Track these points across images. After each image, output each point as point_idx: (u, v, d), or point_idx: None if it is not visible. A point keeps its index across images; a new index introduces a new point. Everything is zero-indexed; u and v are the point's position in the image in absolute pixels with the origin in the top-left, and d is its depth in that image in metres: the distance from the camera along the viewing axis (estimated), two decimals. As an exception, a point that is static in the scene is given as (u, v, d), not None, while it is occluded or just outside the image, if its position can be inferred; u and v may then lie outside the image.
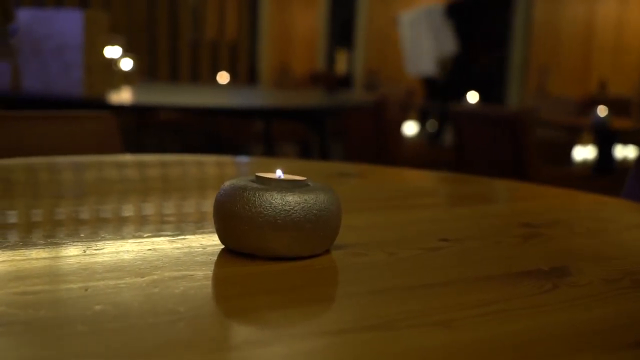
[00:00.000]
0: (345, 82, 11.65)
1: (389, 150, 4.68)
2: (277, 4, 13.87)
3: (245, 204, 0.59)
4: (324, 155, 3.34)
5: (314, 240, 0.60)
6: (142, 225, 0.74)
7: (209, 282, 0.53)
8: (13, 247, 0.60)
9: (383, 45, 11.89)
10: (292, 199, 0.59)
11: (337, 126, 5.54)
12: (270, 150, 4.63)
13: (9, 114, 1.33)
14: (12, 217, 0.74)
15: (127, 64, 3.38)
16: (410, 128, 6.72)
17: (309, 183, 0.64)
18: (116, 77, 3.17)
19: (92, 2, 6.82)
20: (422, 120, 7.73)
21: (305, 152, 3.35)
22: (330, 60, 12.84)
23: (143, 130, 6.29)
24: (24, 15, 2.81)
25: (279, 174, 0.63)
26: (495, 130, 3.64)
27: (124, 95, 3.15)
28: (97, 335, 0.41)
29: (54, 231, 0.69)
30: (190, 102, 3.39)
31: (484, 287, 0.56)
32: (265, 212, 0.58)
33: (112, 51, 3.13)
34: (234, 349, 0.41)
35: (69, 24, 2.67)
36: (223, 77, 6.89)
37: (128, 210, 0.82)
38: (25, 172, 1.02)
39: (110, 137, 1.40)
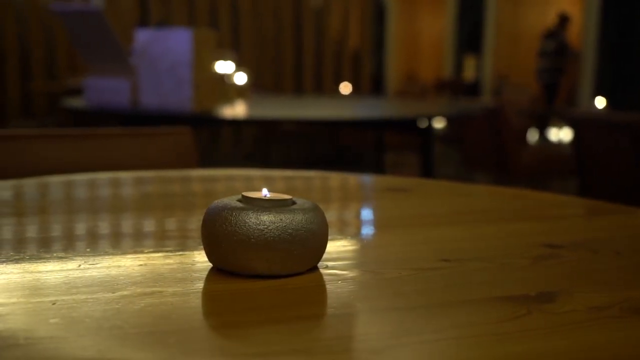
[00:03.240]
0: (473, 88, 11.44)
1: (507, 157, 4.54)
2: (404, 12, 13.84)
3: (222, 222, 0.60)
4: (429, 165, 3.29)
5: (292, 260, 0.60)
6: (153, 241, 0.77)
7: (173, 299, 0.55)
8: (20, 260, 0.64)
9: (513, 50, 11.59)
10: (266, 219, 0.59)
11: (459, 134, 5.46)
12: (381, 159, 4.63)
13: (91, 131, 1.41)
14: (38, 231, 0.79)
15: (240, 78, 3.49)
16: (534, 135, 6.52)
17: (295, 202, 0.64)
18: (229, 92, 3.28)
19: (220, 18, 7.07)
20: (542, 126, 7.47)
21: (426, 161, 3.31)
22: (458, 66, 12.66)
23: (268, 141, 6.47)
24: (142, 36, 2.97)
25: (264, 192, 0.64)
26: (615, 137, 3.45)
27: (237, 109, 3.25)
28: (33, 346, 0.44)
29: (68, 245, 0.73)
30: (299, 114, 3.45)
31: (450, 312, 0.54)
32: (240, 232, 0.59)
33: (224, 66, 3.24)
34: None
35: (179, 42, 2.80)
36: (345, 88, 6.96)
37: (150, 226, 0.85)
38: (81, 187, 1.09)
39: (188, 152, 1.46)
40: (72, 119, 4.70)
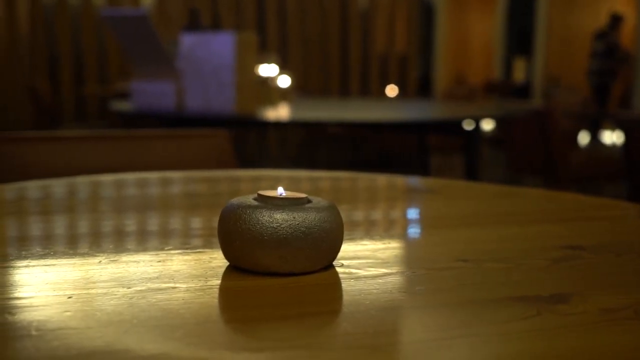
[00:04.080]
0: (523, 91, 11.28)
1: (555, 161, 4.46)
2: (453, 13, 13.71)
3: (237, 220, 0.61)
4: (472, 167, 3.26)
5: (305, 258, 0.61)
6: (175, 239, 0.78)
7: (185, 295, 0.56)
8: (45, 256, 0.66)
9: (564, 51, 11.38)
10: (279, 217, 0.60)
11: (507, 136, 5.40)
12: (426, 162, 4.60)
13: (130, 133, 1.45)
14: (68, 228, 0.82)
15: (284, 81, 3.52)
16: (586, 138, 6.40)
17: (310, 201, 0.65)
18: (272, 94, 3.31)
19: (267, 22, 7.12)
20: (594, 129, 7.32)
21: (469, 163, 3.28)
22: (508, 68, 12.50)
23: (314, 144, 6.50)
24: (187, 40, 3.02)
25: (280, 191, 0.65)
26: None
27: (280, 112, 3.28)
28: (42, 337, 0.45)
29: (93, 242, 0.75)
30: (342, 116, 3.46)
31: (458, 311, 0.54)
32: (253, 229, 0.60)
33: (267, 69, 3.27)
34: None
35: (223, 46, 2.84)
36: (391, 90, 6.94)
37: (174, 224, 0.87)
38: (111, 187, 1.11)
39: (225, 153, 1.48)
40: (121, 123, 4.80)
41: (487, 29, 13.64)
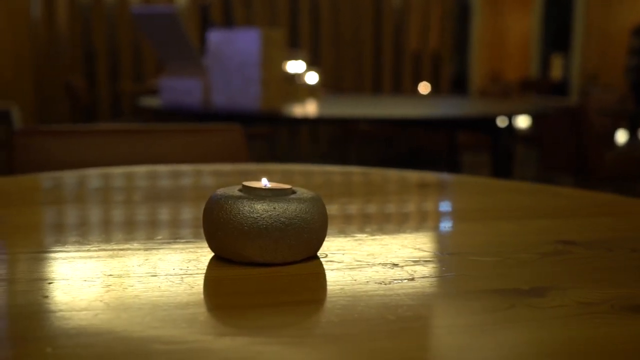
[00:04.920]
0: (560, 88, 11.12)
1: (587, 159, 4.39)
2: (489, 10, 13.56)
3: (219, 211, 0.62)
4: (498, 164, 3.22)
5: (286, 248, 0.61)
6: (167, 230, 0.79)
7: (168, 283, 0.57)
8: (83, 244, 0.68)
9: (603, 49, 11.19)
10: (259, 207, 0.61)
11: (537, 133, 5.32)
12: (456, 159, 4.56)
13: (150, 127, 1.47)
14: (79, 218, 0.83)
15: (312, 78, 3.52)
16: (622, 136, 6.27)
17: (295, 192, 0.65)
18: (299, 91, 3.32)
19: (300, 19, 7.13)
20: (633, 127, 7.15)
21: (495, 160, 3.25)
22: (545, 66, 12.33)
23: (345, 141, 6.50)
24: (213, 37, 3.05)
25: (264, 182, 0.65)
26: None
27: (307, 108, 3.28)
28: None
29: (84, 232, 0.76)
30: (369, 113, 3.45)
31: (431, 303, 0.54)
32: (234, 220, 0.61)
33: (295, 66, 3.28)
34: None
35: (248, 42, 2.86)
36: (424, 88, 6.90)
37: (168, 216, 0.88)
38: (121, 179, 1.13)
39: (238, 147, 1.49)
40: (154, 119, 4.85)
41: (523, 26, 13.47)
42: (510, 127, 3.40)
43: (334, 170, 1.25)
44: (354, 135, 6.23)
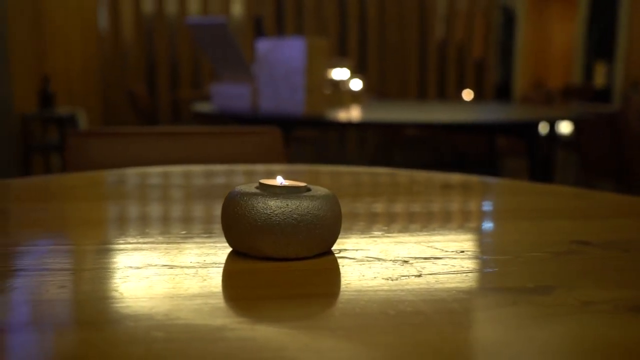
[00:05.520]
0: (604, 95, 10.87)
1: (628, 163, 4.27)
2: (534, 18, 13.34)
3: (235, 206, 0.61)
4: (536, 168, 3.15)
5: (298, 244, 0.60)
6: (192, 225, 0.79)
7: (188, 274, 0.56)
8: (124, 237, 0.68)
9: (646, 56, 10.89)
10: (273, 204, 0.60)
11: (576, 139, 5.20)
12: (496, 165, 4.48)
13: (197, 129, 1.48)
14: (119, 212, 0.84)
15: (356, 84, 3.51)
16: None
17: (309, 189, 0.64)
18: (343, 97, 3.31)
19: (348, 27, 7.12)
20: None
21: (532, 164, 3.18)
22: (588, 73, 12.06)
23: (392, 146, 6.46)
24: (262, 45, 3.06)
25: (279, 180, 0.64)
26: None
27: (351, 113, 3.27)
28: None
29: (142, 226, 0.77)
30: (412, 118, 3.41)
31: (435, 298, 0.52)
32: (249, 215, 0.60)
33: (339, 73, 3.27)
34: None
35: (294, 50, 2.86)
36: (468, 95, 6.82)
37: (196, 212, 0.87)
38: (161, 177, 1.13)
39: (276, 149, 1.49)
40: (207, 123, 4.90)
41: (567, 34, 13.21)
42: (552, 133, 3.32)
43: (362, 171, 1.23)
44: (400, 140, 6.19)
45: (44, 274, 0.56)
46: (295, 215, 0.60)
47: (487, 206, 0.92)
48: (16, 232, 0.73)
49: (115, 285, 0.54)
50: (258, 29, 3.52)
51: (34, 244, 0.67)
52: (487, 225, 0.80)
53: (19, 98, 4.59)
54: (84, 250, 0.65)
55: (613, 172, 4.34)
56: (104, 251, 0.65)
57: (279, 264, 0.59)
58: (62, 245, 0.67)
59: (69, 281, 0.55)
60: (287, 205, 0.60)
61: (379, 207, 0.91)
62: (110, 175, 1.11)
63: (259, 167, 1.25)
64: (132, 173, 1.13)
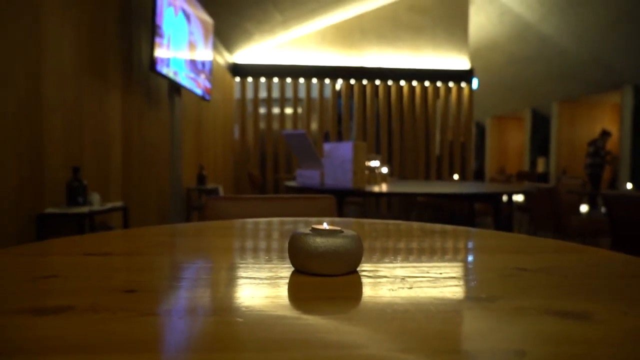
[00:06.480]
0: (543, 177, 10.47)
1: (561, 221, 4.06)
2: (497, 130, 13.10)
3: (297, 241, 0.61)
4: (500, 224, 3.02)
5: (335, 265, 0.59)
6: (272, 254, 0.78)
7: (264, 284, 0.56)
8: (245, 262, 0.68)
9: (570, 153, 10.49)
10: (319, 240, 0.59)
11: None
12: (473, 220, 4.31)
13: (278, 196, 1.48)
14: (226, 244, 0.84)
15: (384, 169, 3.48)
16: (585, 207, 5.77)
17: (343, 232, 0.63)
18: (376, 177, 3.28)
19: (381, 137, 7.12)
20: (592, 202, 6.56)
21: (497, 221, 3.06)
22: (533, 164, 11.66)
23: (409, 209, 6.32)
24: (327, 146, 3.10)
25: (325, 225, 0.63)
26: (636, 208, 2.97)
27: (382, 187, 3.23)
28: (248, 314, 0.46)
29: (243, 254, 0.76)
30: (417, 190, 3.35)
31: (421, 303, 0.49)
32: (305, 247, 0.59)
33: (374, 162, 3.26)
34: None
35: (346, 149, 2.88)
36: (455, 177, 6.68)
37: (276, 246, 0.87)
38: (261, 224, 1.13)
39: (331, 210, 1.48)
40: (293, 193, 4.95)
41: (519, 140, 12.92)
42: (510, 201, 3.19)
43: (380, 222, 1.20)
44: (414, 204, 6.07)
45: (198, 282, 0.56)
46: (333, 248, 0.59)
47: (463, 245, 0.88)
48: (181, 254, 0.74)
49: (226, 289, 0.53)
50: (325, 137, 3.56)
51: (188, 262, 0.68)
52: (462, 257, 0.76)
53: (186, 178, 4.77)
54: (219, 267, 0.65)
55: (551, 226, 4.13)
56: (225, 268, 0.65)
57: (323, 279, 0.58)
58: (202, 264, 0.68)
59: (208, 285, 0.55)
60: (328, 241, 0.59)
61: (394, 244, 0.88)
62: (234, 223, 1.12)
63: (320, 219, 1.24)
64: (247, 222, 1.14)
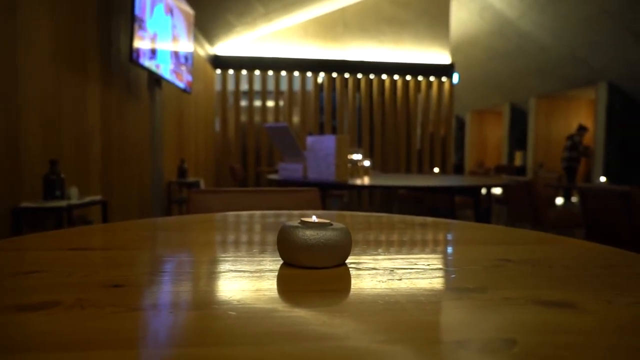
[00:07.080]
0: (521, 171, 10.67)
1: (538, 213, 4.15)
2: (477, 124, 13.27)
3: (285, 234, 0.60)
4: (480, 215, 3.06)
5: (324, 258, 0.59)
6: (258, 247, 0.78)
7: (253, 276, 0.55)
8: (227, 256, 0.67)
9: (547, 147, 10.71)
10: (308, 233, 0.59)
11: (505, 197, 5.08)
12: (454, 213, 4.37)
13: (260, 189, 1.47)
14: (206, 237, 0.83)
15: (366, 163, 3.49)
16: (560, 200, 5.91)
17: (332, 224, 0.63)
18: (359, 171, 3.29)
19: (362, 131, 7.15)
20: (567, 195, 6.72)
21: (477, 213, 3.11)
22: (511, 157, 11.87)
23: (390, 202, 6.37)
24: (309, 140, 3.09)
25: (313, 218, 0.63)
26: (610, 200, 3.05)
27: (363, 180, 3.24)
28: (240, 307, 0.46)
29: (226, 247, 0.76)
30: (397, 183, 3.37)
31: (413, 293, 0.50)
32: (293, 240, 0.59)
33: (356, 156, 3.27)
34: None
35: (328, 142, 2.88)
36: (436, 170, 6.75)
37: (262, 238, 0.86)
38: (243, 217, 1.12)
39: (316, 202, 1.47)
40: (275, 186, 4.93)
41: (497, 134, 13.12)
42: (489, 194, 3.24)
43: (370, 214, 1.21)
44: (395, 197, 6.12)
45: (186, 276, 0.55)
46: (322, 240, 0.59)
47: (447, 237, 0.88)
48: (162, 248, 0.73)
49: (214, 283, 0.53)
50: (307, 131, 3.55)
51: (172, 256, 0.67)
52: (446, 249, 0.77)
53: (167, 171, 4.70)
54: (206, 261, 0.64)
55: (528, 218, 4.21)
56: (211, 262, 0.64)
57: (312, 271, 0.58)
58: (187, 257, 0.67)
59: (189, 279, 0.54)
60: (317, 233, 0.59)
61: (377, 236, 0.89)
62: (216, 216, 1.11)
63: (304, 212, 1.24)
64: (229, 215, 1.13)
